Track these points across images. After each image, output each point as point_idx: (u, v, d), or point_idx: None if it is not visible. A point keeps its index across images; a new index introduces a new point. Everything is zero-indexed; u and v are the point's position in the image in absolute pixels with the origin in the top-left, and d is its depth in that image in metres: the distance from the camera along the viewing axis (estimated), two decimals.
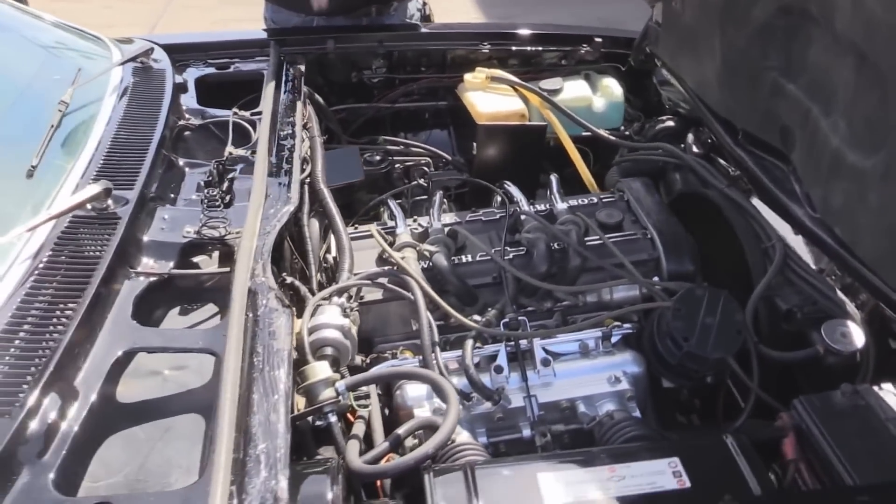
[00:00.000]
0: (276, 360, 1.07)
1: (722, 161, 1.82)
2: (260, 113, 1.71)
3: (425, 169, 1.91)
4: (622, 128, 2.11)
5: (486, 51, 2.14)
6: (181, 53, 2.05)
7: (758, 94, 1.52)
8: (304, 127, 1.72)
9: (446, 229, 1.54)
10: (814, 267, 1.50)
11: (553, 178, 1.72)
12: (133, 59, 1.84)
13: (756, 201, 1.65)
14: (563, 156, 1.98)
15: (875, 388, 1.19)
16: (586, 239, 1.52)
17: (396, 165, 1.95)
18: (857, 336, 1.34)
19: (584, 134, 2.01)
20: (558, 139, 1.98)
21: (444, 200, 1.72)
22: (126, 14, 6.43)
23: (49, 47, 1.93)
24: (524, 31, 2.20)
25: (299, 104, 1.78)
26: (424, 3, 2.45)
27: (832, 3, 1.20)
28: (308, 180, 1.58)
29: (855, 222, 1.24)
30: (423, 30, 2.29)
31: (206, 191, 1.44)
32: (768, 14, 1.41)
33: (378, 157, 1.91)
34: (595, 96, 2.10)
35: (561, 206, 1.61)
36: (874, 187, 1.17)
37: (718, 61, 1.61)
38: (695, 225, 1.66)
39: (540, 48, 2.18)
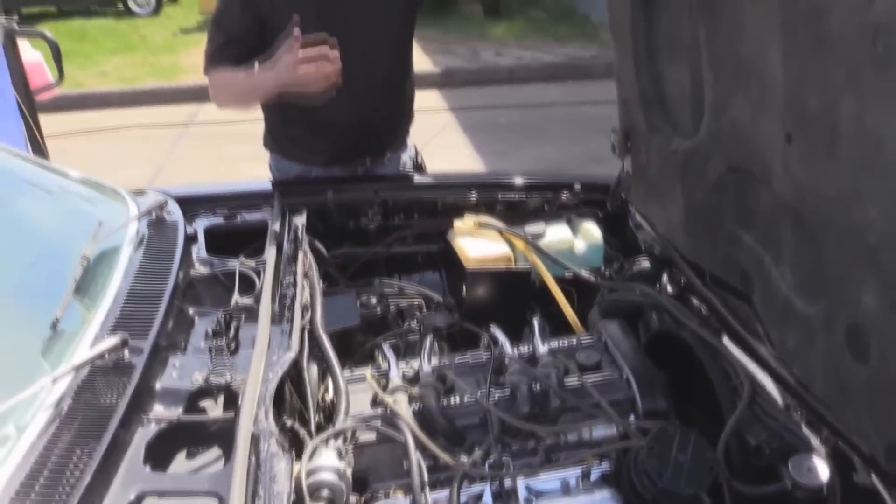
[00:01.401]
0: (276, 503, 1.16)
1: (695, 300, 1.95)
2: (265, 262, 1.86)
3: (416, 312, 2.03)
4: (602, 268, 2.26)
5: (474, 199, 2.32)
6: (192, 205, 2.22)
7: (718, 241, 1.67)
8: (305, 275, 1.86)
9: (436, 373, 1.65)
10: (780, 403, 1.60)
11: (536, 321, 1.84)
12: (149, 213, 2.00)
13: (726, 339, 1.77)
14: (548, 295, 2.11)
15: None
16: (566, 379, 1.63)
17: (391, 307, 2.08)
18: (823, 471, 1.42)
19: (567, 275, 2.15)
20: (543, 280, 2.12)
21: (435, 342, 1.84)
22: (135, 152, 6.73)
23: (71, 201, 2.11)
24: (509, 180, 2.38)
25: (300, 253, 1.92)
26: (417, 153, 2.65)
27: (769, 167, 1.36)
28: (308, 327, 1.70)
29: (808, 364, 1.36)
30: (417, 179, 2.48)
31: (213, 340, 1.56)
32: (720, 172, 1.58)
33: (374, 300, 2.04)
34: (576, 239, 2.26)
35: (542, 349, 1.73)
36: (820, 333, 1.29)
37: (682, 210, 1.77)
38: (670, 362, 1.76)
39: (524, 195, 2.36)
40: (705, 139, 1.58)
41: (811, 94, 1.11)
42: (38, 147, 3.39)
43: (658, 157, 1.83)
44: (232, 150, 6.08)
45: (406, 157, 2.58)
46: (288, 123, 2.26)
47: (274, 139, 2.46)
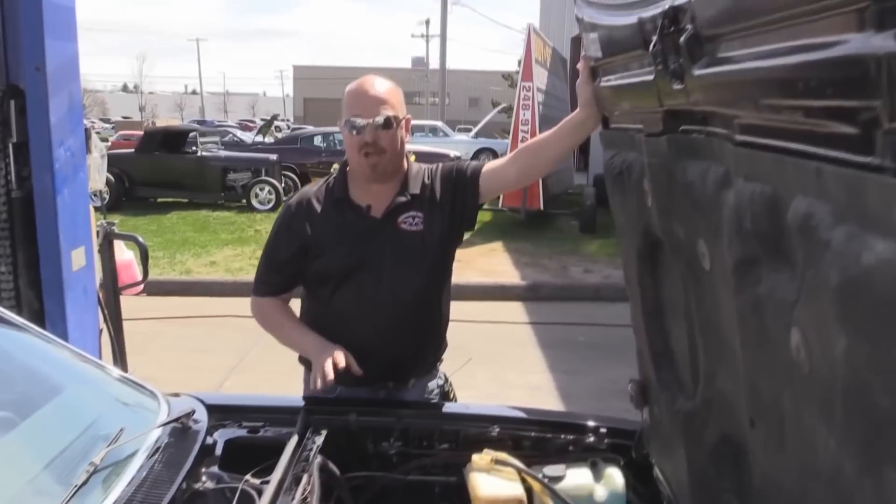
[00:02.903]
0: None
1: None
2: (268, 482, 1.87)
3: None
4: None
5: (496, 433, 2.29)
6: (223, 413, 2.29)
7: None
8: (304, 500, 1.86)
9: None
10: None
11: None
12: (174, 422, 2.07)
13: None
14: None
15: None
16: None
17: None
18: None
19: None
20: None
21: None
22: (223, 340, 7.03)
23: (105, 401, 2.22)
24: (535, 417, 2.36)
25: (305, 477, 1.93)
26: (446, 380, 2.67)
27: (748, 447, 1.31)
28: None
29: None
30: (442, 408, 2.49)
31: None
32: (716, 439, 1.52)
33: None
34: (598, 485, 2.17)
35: None
36: None
37: (686, 474, 1.70)
38: None
39: (548, 434, 2.32)
40: (701, 404, 1.54)
41: (763, 382, 1.09)
42: (113, 342, 3.62)
43: (667, 414, 1.79)
44: None
45: (433, 385, 2.60)
46: None
47: None
